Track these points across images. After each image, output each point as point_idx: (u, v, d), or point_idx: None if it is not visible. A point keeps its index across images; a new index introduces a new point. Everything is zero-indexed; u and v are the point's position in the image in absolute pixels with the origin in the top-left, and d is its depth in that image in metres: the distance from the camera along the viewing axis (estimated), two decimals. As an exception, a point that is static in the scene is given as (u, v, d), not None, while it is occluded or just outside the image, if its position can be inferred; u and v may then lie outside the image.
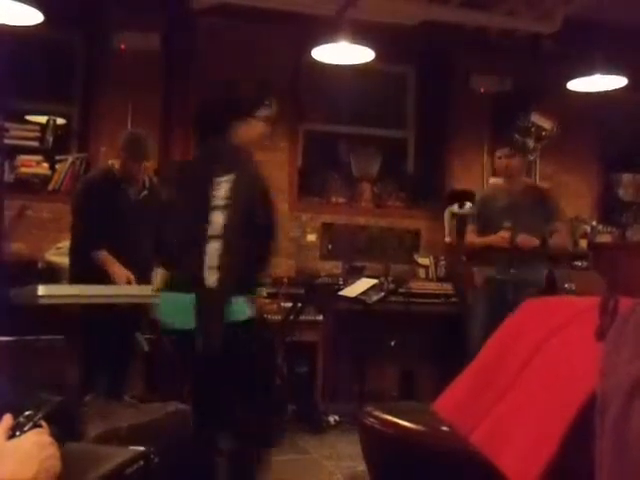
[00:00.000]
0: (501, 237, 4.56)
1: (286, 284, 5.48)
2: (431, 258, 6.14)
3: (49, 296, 3.51)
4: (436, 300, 5.59)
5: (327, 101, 6.44)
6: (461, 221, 6.03)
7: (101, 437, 2.27)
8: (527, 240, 4.52)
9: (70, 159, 5.54)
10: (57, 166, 5.51)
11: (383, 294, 4.93)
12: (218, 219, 2.41)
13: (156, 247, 3.12)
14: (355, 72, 5.66)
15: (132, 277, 3.88)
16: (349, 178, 6.40)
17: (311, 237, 6.02)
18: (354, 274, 5.56)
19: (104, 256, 3.90)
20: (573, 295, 5.16)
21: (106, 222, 3.95)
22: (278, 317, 5.06)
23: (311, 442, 4.48)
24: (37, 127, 5.55)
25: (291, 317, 5.02)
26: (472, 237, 4.86)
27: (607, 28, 5.42)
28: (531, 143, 6.35)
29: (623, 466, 0.66)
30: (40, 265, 5.02)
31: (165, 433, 2.53)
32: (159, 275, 3.98)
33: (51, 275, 4.80)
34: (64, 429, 1.31)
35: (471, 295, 4.93)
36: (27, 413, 1.20)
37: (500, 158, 4.79)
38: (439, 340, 5.71)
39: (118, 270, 3.88)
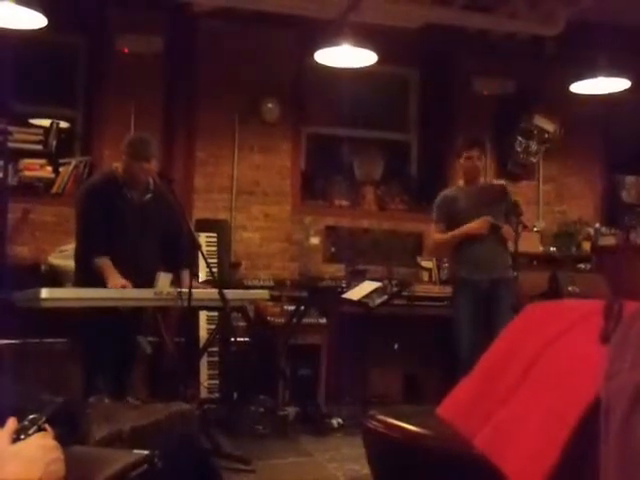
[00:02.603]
0: (483, 221, 4.55)
1: (289, 287, 5.48)
2: (434, 261, 6.13)
3: (52, 299, 3.49)
4: (439, 303, 5.57)
5: (330, 104, 6.44)
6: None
7: (105, 439, 2.27)
8: (510, 232, 4.56)
9: (73, 162, 5.55)
10: (60, 169, 5.52)
11: (386, 297, 4.92)
12: None
13: None
14: (358, 75, 5.66)
15: (129, 286, 3.77)
16: (352, 181, 6.40)
17: (314, 240, 6.02)
18: (357, 277, 5.55)
19: (103, 263, 3.82)
20: (577, 298, 5.15)
21: (108, 226, 3.90)
22: (281, 320, 5.06)
23: (314, 445, 4.47)
24: (40, 130, 5.55)
25: (294, 320, 5.02)
26: (440, 235, 4.72)
27: (610, 30, 5.40)
28: (534, 145, 6.38)
29: (628, 471, 0.66)
30: (43, 268, 5.03)
31: (168, 434, 2.53)
32: (162, 278, 3.99)
33: (54, 278, 4.81)
34: (68, 431, 1.31)
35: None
36: (31, 417, 1.20)
37: (470, 159, 4.71)
38: (442, 343, 5.69)
39: (114, 280, 3.76)
